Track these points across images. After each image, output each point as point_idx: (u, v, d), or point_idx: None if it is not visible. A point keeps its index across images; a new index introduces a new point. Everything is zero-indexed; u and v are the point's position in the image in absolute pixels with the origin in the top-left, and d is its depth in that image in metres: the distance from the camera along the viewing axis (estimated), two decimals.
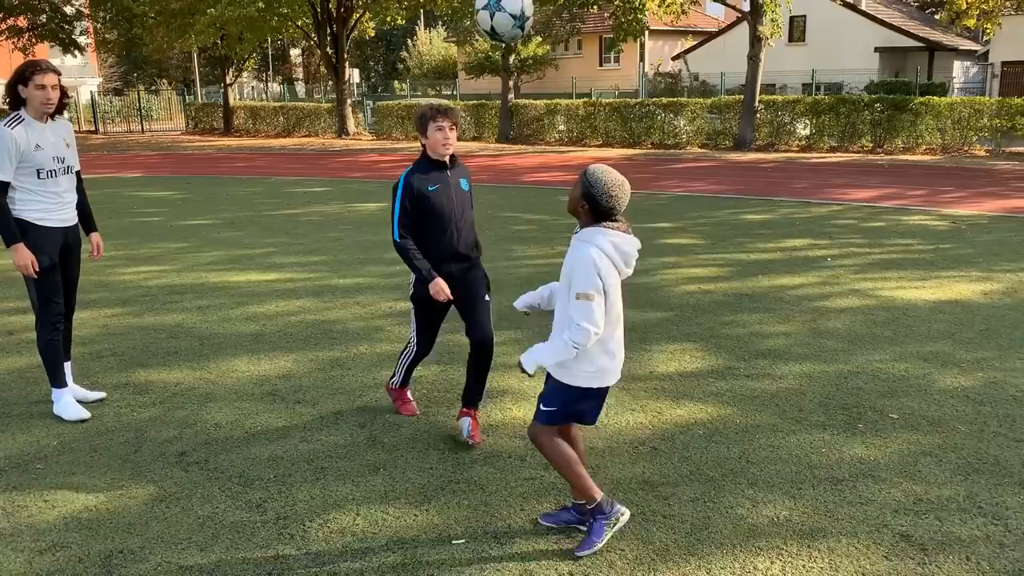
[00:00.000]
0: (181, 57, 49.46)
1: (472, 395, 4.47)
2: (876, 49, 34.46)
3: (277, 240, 10.52)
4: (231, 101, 36.53)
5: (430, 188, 4.17)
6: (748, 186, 15.87)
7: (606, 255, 3.21)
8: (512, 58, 28.25)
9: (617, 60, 42.66)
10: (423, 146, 4.22)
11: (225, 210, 13.41)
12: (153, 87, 50.94)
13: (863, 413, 4.75)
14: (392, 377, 4.83)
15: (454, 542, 3.48)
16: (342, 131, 32.07)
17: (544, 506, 3.75)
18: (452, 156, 4.26)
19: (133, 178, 19.18)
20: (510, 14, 3.94)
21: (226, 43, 32.36)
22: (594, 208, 3.24)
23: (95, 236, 5.07)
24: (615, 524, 3.39)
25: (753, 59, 23.17)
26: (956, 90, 31.48)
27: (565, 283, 3.29)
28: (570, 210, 3.36)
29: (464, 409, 4.50)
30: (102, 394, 5.13)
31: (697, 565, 3.29)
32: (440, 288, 4.17)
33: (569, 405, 3.39)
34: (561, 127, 27.91)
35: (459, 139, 25.51)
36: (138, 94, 43.40)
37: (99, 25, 36.02)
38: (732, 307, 7.04)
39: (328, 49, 31.63)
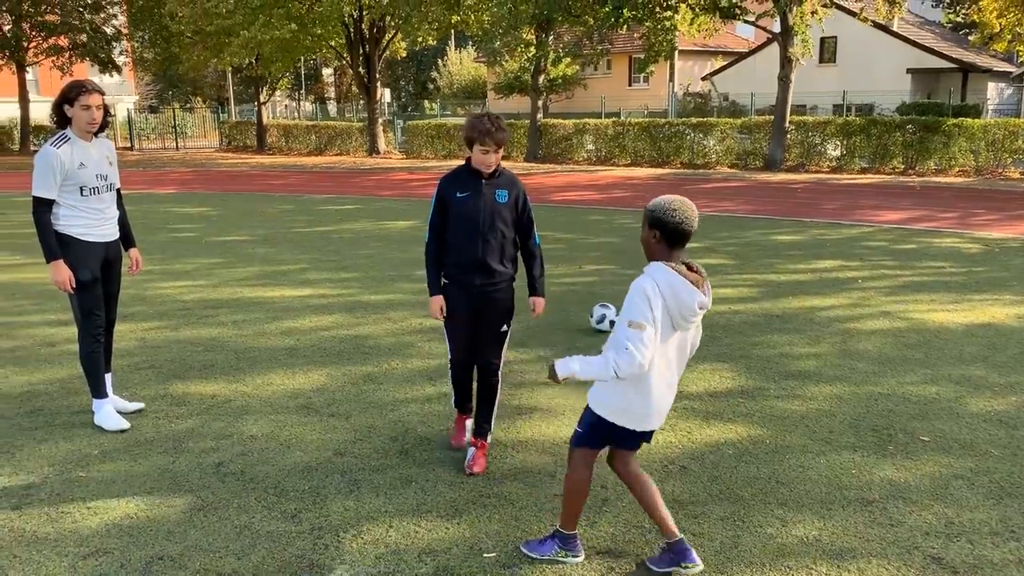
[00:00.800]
0: (215, 76, 50.32)
1: (478, 423, 4.44)
2: (908, 70, 34.25)
3: (310, 256, 10.68)
4: (264, 119, 37.12)
5: (459, 194, 4.22)
6: (778, 207, 15.83)
7: (660, 294, 3.07)
8: (541, 78, 28.44)
9: (646, 80, 42.71)
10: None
11: (258, 226, 13.62)
12: (188, 105, 51.86)
13: (894, 435, 4.74)
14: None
15: (485, 555, 3.52)
16: (373, 150, 32.44)
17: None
18: (497, 169, 4.27)
19: (168, 194, 19.53)
20: None
21: (261, 63, 32.94)
22: (664, 231, 3.10)
23: (134, 251, 5.21)
24: (563, 556, 3.44)
25: (783, 80, 23.17)
26: (990, 112, 31.19)
27: (622, 314, 3.18)
28: (648, 256, 3.21)
29: (472, 439, 4.46)
30: (141, 405, 5.25)
31: None
32: (434, 307, 4.31)
33: (597, 432, 3.31)
34: (590, 146, 28.04)
35: None
36: (173, 112, 44.24)
37: (137, 44, 36.85)
38: (762, 328, 7.05)
39: (360, 69, 32.09)
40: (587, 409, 3.34)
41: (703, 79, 41.12)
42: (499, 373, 4.41)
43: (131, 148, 40.76)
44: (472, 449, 4.41)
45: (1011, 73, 36.14)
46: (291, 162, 30.46)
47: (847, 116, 26.22)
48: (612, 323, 6.89)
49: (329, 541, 3.65)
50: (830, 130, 23.77)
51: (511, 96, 40.89)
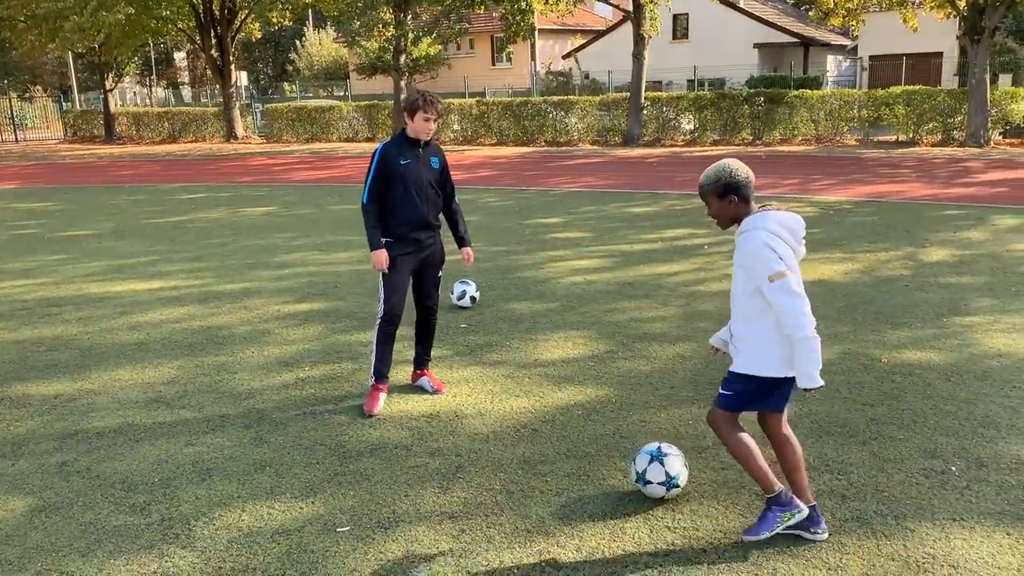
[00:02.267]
0: (56, 62, 47.24)
1: (421, 359, 5.20)
2: (755, 45, 35.88)
3: (161, 248, 10.30)
4: (112, 107, 35.18)
5: (402, 161, 4.70)
6: (635, 180, 16.38)
7: (776, 235, 3.14)
8: (403, 58, 28.21)
9: (509, 59, 43.03)
10: (405, 125, 4.76)
11: (106, 220, 13.00)
12: (27, 94, 48.46)
13: None
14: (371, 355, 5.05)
15: (339, 530, 3.58)
16: (230, 135, 31.37)
17: (428, 491, 3.89)
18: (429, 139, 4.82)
19: (6, 190, 18.31)
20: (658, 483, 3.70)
21: (104, 48, 31.18)
22: (739, 192, 3.22)
23: None
24: (789, 519, 3.33)
25: (638, 57, 23.87)
26: (830, 83, 33.13)
27: (739, 283, 3.24)
28: (725, 224, 3.32)
29: (417, 372, 5.22)
30: None
31: (571, 533, 3.50)
32: (377, 260, 4.73)
33: (747, 395, 3.31)
34: (456, 126, 28.06)
35: (352, 140, 24.93)
36: (10, 102, 41.22)
37: None
38: (614, 295, 7.34)
39: (213, 52, 30.89)
40: (735, 375, 3.32)
41: (564, 57, 41.78)
42: (437, 313, 5.15)
43: None
44: (425, 379, 5.17)
45: (847, 46, 38.48)
46: (142, 151, 29.06)
47: (700, 91, 27.29)
48: (473, 299, 7.01)
49: (180, 531, 3.61)
50: (683, 105, 24.70)
51: (374, 77, 40.33)
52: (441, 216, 5.02)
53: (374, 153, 4.74)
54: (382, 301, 4.86)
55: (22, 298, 7.89)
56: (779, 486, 3.36)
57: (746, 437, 3.35)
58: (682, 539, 3.45)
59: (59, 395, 5.29)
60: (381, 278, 4.83)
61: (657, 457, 3.70)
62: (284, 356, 5.92)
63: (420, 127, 4.69)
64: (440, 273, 5.10)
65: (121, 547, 3.50)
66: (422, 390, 5.16)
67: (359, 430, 4.61)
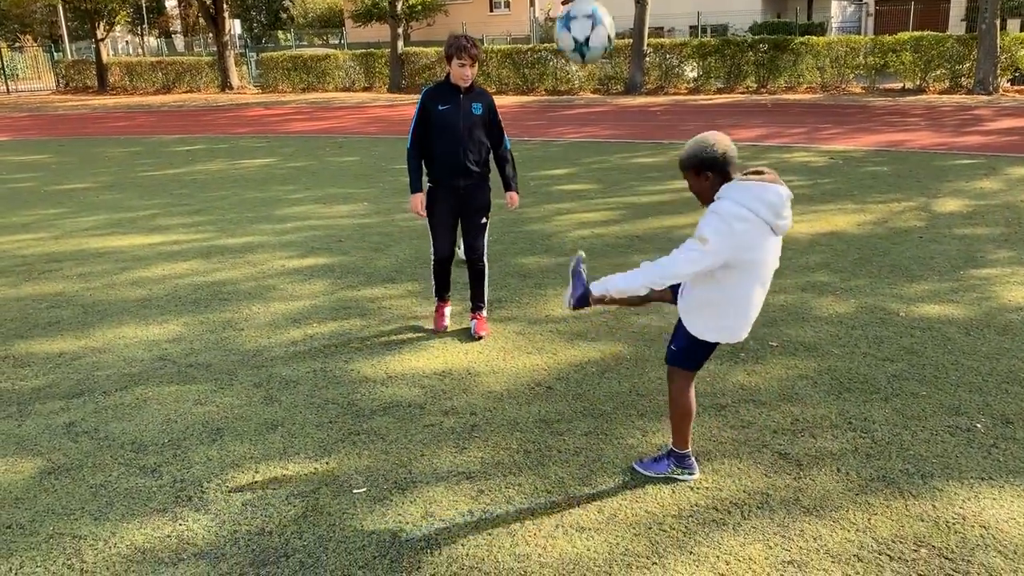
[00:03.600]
0: (45, 11, 46.26)
1: (474, 302, 5.32)
2: None
3: (160, 201, 10.13)
4: (104, 57, 34.56)
5: (440, 107, 4.79)
6: (639, 130, 16.13)
7: (749, 209, 2.96)
8: (400, 5, 27.62)
9: (508, 5, 42.28)
10: (448, 71, 4.82)
11: (103, 172, 12.79)
12: (16, 44, 47.60)
13: (745, 343, 4.98)
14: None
15: (355, 491, 3.52)
16: (225, 85, 30.88)
17: (444, 450, 3.82)
18: (473, 85, 4.85)
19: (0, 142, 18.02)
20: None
21: None
22: (713, 167, 3.05)
23: None
24: (679, 474, 3.51)
25: (640, 2, 23.36)
26: (834, 29, 32.57)
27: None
28: (705, 200, 3.14)
29: (471, 313, 5.35)
30: None
31: (591, 494, 3.44)
32: (413, 204, 4.97)
33: (695, 352, 3.32)
34: None
35: (349, 90, 24.53)
36: None
37: None
38: (624, 249, 7.22)
39: None
40: (684, 330, 3.29)
41: (564, 3, 40.98)
42: (484, 259, 5.22)
43: None
44: (473, 321, 5.26)
45: None
46: (137, 102, 28.62)
47: (703, 37, 26.79)
48: None
49: (192, 493, 3.55)
50: (686, 52, 24.26)
51: (370, 24, 39.64)
52: (491, 163, 5.06)
53: (419, 99, 4.85)
54: (431, 244, 5.12)
55: (21, 253, 7.76)
56: (690, 448, 3.52)
57: (691, 398, 3.42)
58: (705, 499, 3.38)
59: (63, 353, 5.19)
60: (428, 222, 5.03)
61: (594, 16, 4.22)
62: (291, 312, 5.82)
63: (456, 73, 4.75)
64: (484, 220, 5.11)
65: (133, 510, 3.43)
66: (468, 334, 5.28)
67: (371, 388, 4.53)
